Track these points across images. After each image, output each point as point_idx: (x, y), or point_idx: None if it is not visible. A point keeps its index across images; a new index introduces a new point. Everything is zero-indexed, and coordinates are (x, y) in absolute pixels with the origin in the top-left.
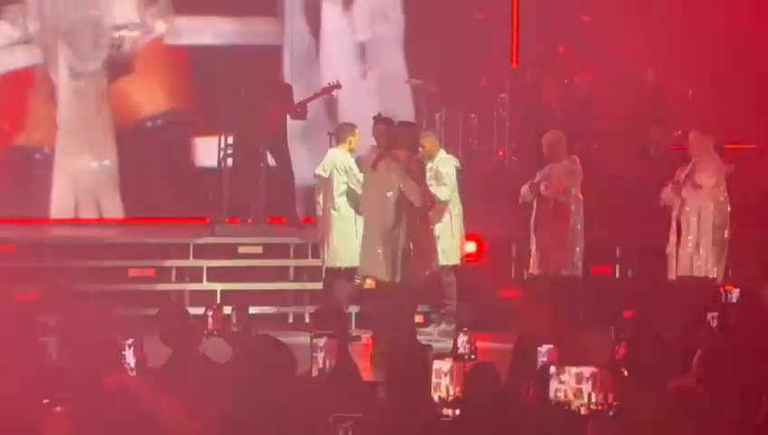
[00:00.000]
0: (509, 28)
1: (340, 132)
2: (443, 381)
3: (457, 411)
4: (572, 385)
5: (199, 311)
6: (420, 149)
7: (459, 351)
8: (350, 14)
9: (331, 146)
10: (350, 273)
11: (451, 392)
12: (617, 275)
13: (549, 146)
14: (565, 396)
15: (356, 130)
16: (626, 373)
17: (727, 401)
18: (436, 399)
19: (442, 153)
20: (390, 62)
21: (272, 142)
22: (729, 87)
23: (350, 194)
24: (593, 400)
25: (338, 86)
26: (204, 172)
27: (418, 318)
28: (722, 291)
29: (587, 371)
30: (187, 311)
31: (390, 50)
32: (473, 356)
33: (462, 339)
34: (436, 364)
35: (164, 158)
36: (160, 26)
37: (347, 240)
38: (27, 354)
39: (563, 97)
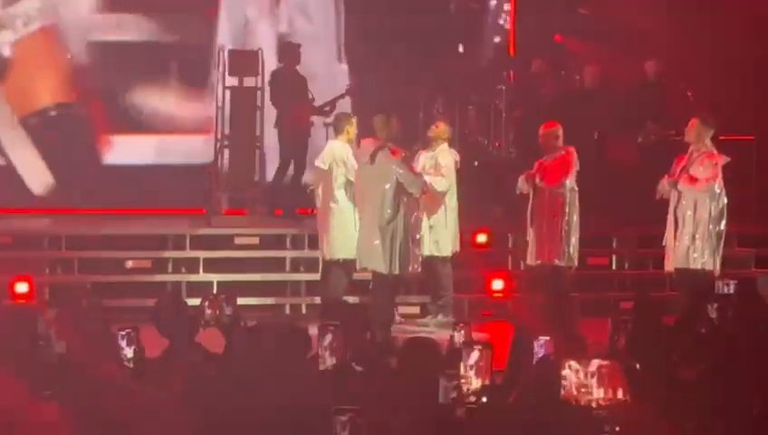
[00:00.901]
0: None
1: (338, 123)
2: (470, 372)
3: (484, 399)
4: (576, 380)
5: (196, 302)
6: (434, 127)
7: (455, 346)
8: (275, 8)
9: (327, 138)
10: (348, 265)
11: (475, 382)
12: (613, 267)
13: (545, 137)
14: (570, 390)
15: (353, 120)
16: (638, 366)
17: (725, 393)
18: (464, 389)
19: (444, 145)
20: (315, 56)
21: (296, 139)
22: (727, 79)
23: (349, 186)
24: (601, 395)
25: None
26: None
27: (416, 310)
28: (719, 283)
29: (593, 364)
30: (185, 302)
31: (314, 43)
32: None
33: (457, 335)
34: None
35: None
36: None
37: (346, 232)
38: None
39: (561, 88)
